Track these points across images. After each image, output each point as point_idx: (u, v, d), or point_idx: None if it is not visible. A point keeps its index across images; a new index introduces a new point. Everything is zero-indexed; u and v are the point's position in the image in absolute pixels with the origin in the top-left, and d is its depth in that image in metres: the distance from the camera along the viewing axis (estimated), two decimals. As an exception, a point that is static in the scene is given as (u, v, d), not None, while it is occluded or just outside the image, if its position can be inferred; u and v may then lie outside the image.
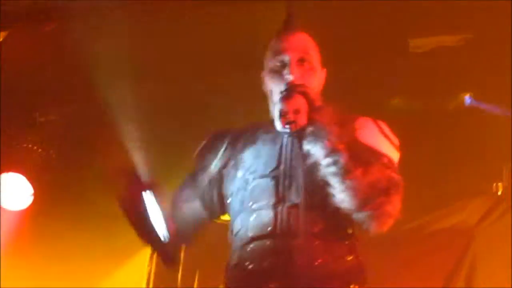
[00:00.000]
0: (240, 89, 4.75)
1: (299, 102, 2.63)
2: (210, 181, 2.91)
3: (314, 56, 2.89)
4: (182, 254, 4.22)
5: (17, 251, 5.74)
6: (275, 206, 2.69)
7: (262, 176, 2.76)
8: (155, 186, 2.70)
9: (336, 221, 2.70)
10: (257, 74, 2.95)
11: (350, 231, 2.76)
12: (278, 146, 2.78)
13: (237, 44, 4.68)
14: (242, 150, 2.87)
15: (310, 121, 2.61)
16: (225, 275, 2.81)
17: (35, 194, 5.77)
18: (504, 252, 5.11)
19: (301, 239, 2.65)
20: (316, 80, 2.86)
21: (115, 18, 4.72)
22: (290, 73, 2.77)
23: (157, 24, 4.76)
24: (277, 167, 2.75)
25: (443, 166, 5.47)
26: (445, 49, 5.02)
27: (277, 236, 2.67)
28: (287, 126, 2.62)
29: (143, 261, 5.39)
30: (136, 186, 2.67)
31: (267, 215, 2.70)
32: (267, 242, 2.68)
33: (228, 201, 2.86)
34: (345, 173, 2.55)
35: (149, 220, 2.65)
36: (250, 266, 2.70)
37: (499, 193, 5.35)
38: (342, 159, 2.55)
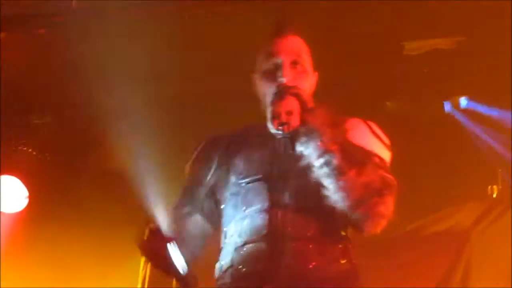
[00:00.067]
0: (237, 91, 4.75)
1: (292, 103, 2.64)
2: (206, 193, 2.90)
3: (306, 59, 2.89)
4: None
5: (12, 253, 5.72)
6: (268, 210, 2.69)
7: (255, 180, 2.75)
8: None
9: (329, 223, 2.70)
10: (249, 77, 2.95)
11: (343, 233, 2.76)
12: (270, 149, 2.77)
13: (231, 46, 4.69)
14: (234, 155, 2.87)
15: (303, 122, 2.60)
16: (216, 278, 2.80)
17: (30, 197, 5.77)
18: (500, 255, 5.10)
19: (295, 242, 2.64)
20: (308, 83, 2.86)
21: (111, 21, 4.71)
22: (283, 75, 2.76)
23: (153, 25, 4.76)
24: (270, 170, 2.74)
25: (438, 169, 5.46)
26: (440, 51, 5.03)
27: (271, 240, 2.66)
28: (280, 127, 2.61)
29: (138, 264, 5.37)
30: (161, 243, 2.68)
31: (261, 219, 2.69)
32: (261, 246, 2.67)
33: (222, 207, 2.85)
34: (338, 174, 2.55)
35: (173, 264, 2.68)
36: (244, 270, 2.69)
37: (494, 196, 5.35)
38: (336, 160, 2.55)
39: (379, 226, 2.65)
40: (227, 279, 2.73)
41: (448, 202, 5.60)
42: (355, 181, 2.56)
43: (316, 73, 2.95)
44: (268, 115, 2.70)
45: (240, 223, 2.74)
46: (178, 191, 3.00)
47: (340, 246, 2.74)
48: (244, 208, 2.74)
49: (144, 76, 5.33)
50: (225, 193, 2.83)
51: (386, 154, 2.78)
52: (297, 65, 2.83)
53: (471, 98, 5.67)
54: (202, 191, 2.90)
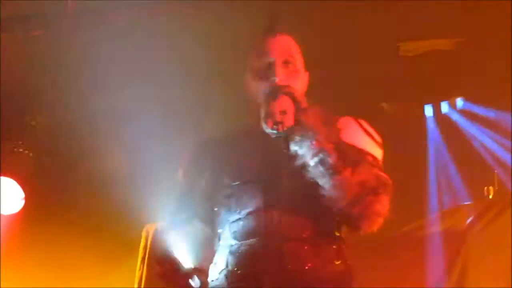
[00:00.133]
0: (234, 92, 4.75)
1: (286, 103, 2.62)
2: (201, 198, 2.88)
3: (298, 58, 2.88)
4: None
5: (8, 255, 5.72)
6: (263, 211, 2.67)
7: (249, 182, 2.73)
8: (197, 272, 2.74)
9: (324, 224, 2.69)
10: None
11: (337, 233, 2.75)
12: (263, 149, 2.75)
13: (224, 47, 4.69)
14: (226, 157, 2.84)
15: (297, 122, 2.59)
16: (211, 280, 2.79)
17: (26, 198, 5.76)
18: (496, 255, 5.11)
19: (290, 243, 2.64)
20: (300, 82, 2.85)
21: (107, 22, 4.71)
22: (276, 74, 2.76)
23: (150, 26, 4.76)
24: (264, 171, 2.73)
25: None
26: (437, 52, 5.04)
27: (266, 241, 2.65)
28: (275, 126, 2.60)
29: (134, 265, 5.38)
30: (183, 280, 2.70)
31: (256, 220, 2.67)
32: (257, 247, 2.66)
33: (215, 209, 2.83)
34: (333, 173, 2.54)
35: None
36: (239, 271, 2.68)
37: (491, 196, 5.35)
38: (331, 159, 2.54)
39: (375, 225, 2.64)
40: (222, 281, 2.72)
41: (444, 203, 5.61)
42: (350, 180, 2.55)
43: (307, 73, 2.94)
44: (262, 114, 2.67)
45: (234, 225, 2.72)
46: (173, 197, 2.98)
47: (334, 247, 2.73)
48: (239, 210, 2.72)
49: (141, 78, 5.33)
50: (218, 196, 2.81)
51: (378, 152, 2.77)
52: (289, 65, 2.82)
53: (468, 99, 5.69)
54: (197, 197, 2.88)
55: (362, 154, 2.67)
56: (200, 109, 5.40)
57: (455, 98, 5.84)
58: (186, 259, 2.73)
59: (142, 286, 5.26)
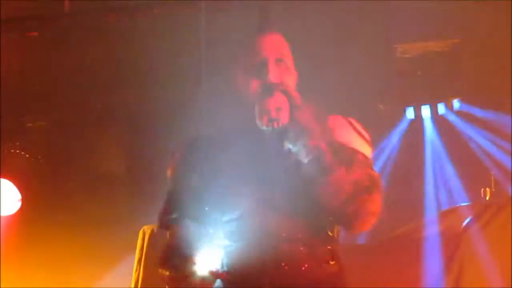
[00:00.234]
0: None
1: (281, 100, 2.61)
2: (192, 197, 2.85)
3: (289, 57, 2.87)
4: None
5: (4, 256, 5.71)
6: (258, 212, 2.66)
7: (242, 181, 2.72)
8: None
9: (318, 224, 2.68)
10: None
11: (330, 233, 2.74)
12: (256, 148, 2.74)
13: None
14: (218, 156, 2.81)
15: (292, 119, 2.59)
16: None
17: (22, 200, 5.76)
18: (493, 257, 5.10)
19: (287, 244, 2.63)
20: (292, 81, 2.84)
21: (104, 23, 4.71)
22: (269, 72, 2.75)
23: (147, 27, 4.76)
24: (258, 170, 2.71)
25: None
26: (433, 54, 5.04)
27: (263, 243, 2.64)
28: (270, 123, 2.59)
29: (131, 266, 5.37)
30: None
31: (251, 221, 2.66)
32: (252, 248, 2.65)
33: (207, 209, 2.81)
34: (328, 172, 2.53)
35: None
36: (236, 273, 2.67)
37: (487, 198, 5.35)
38: (325, 157, 2.53)
39: (368, 224, 2.63)
40: (218, 283, 2.71)
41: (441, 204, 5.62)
42: (345, 178, 2.54)
43: (296, 72, 2.93)
44: (257, 111, 2.65)
45: (228, 225, 2.70)
46: (163, 196, 2.95)
47: (329, 247, 2.72)
48: (232, 209, 2.71)
49: (138, 79, 5.33)
50: (210, 195, 2.78)
51: (368, 150, 2.76)
52: (281, 63, 2.81)
53: (464, 100, 5.69)
54: (188, 196, 2.85)
55: (354, 152, 2.66)
56: (199, 109, 5.39)
57: (452, 99, 5.85)
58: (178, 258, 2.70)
59: (139, 287, 5.25)
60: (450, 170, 5.82)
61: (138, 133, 5.75)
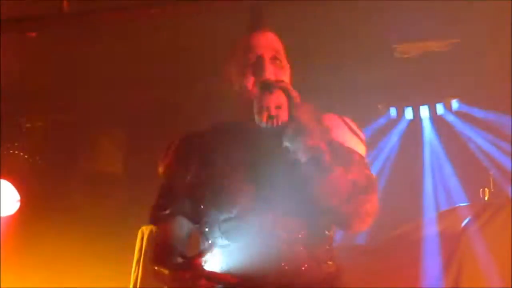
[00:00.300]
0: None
1: (281, 97, 2.59)
2: (187, 193, 2.82)
3: (284, 56, 2.86)
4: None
5: (4, 256, 5.71)
6: (257, 211, 2.64)
7: (240, 179, 2.70)
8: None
9: (316, 224, 2.67)
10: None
11: (327, 232, 2.73)
12: (254, 146, 2.71)
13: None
14: (214, 153, 2.78)
15: (291, 117, 2.57)
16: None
17: (21, 200, 5.75)
18: (492, 257, 5.11)
19: (286, 244, 2.62)
20: (287, 79, 2.82)
21: (102, 23, 4.70)
22: (265, 70, 2.73)
23: (145, 28, 4.75)
24: (256, 168, 2.69)
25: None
26: (432, 54, 5.04)
27: (263, 243, 2.63)
28: (269, 121, 2.57)
29: (129, 266, 5.37)
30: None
31: (249, 221, 2.64)
32: (252, 248, 2.64)
33: (202, 207, 2.79)
34: (327, 171, 2.52)
35: None
36: (236, 273, 2.65)
37: (486, 198, 5.35)
38: (324, 157, 2.51)
39: (365, 224, 2.62)
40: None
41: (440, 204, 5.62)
42: (343, 178, 2.53)
43: (289, 71, 2.91)
44: (256, 108, 2.63)
45: (226, 225, 2.67)
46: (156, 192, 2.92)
47: (327, 247, 2.71)
48: (230, 208, 2.68)
49: (137, 79, 5.33)
50: (207, 193, 2.76)
51: (363, 150, 2.76)
52: (276, 61, 2.79)
53: (463, 100, 5.69)
54: (182, 192, 2.83)
55: (351, 152, 2.66)
56: (199, 108, 5.40)
57: (451, 99, 5.85)
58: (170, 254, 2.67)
59: (138, 287, 5.25)
60: (449, 170, 5.82)
61: (137, 133, 5.76)
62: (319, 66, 5.08)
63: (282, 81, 2.67)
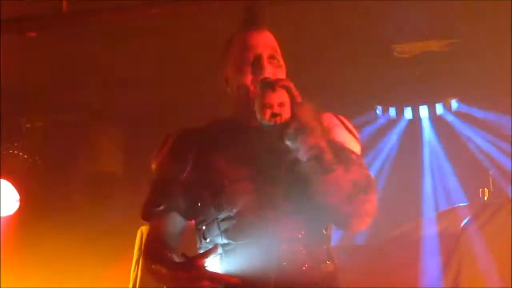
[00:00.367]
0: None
1: (283, 95, 2.58)
2: (182, 191, 2.80)
3: (280, 55, 2.85)
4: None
5: (4, 256, 5.71)
6: (258, 210, 2.63)
7: (240, 178, 2.69)
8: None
9: (315, 223, 2.67)
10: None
11: (325, 232, 2.72)
12: (254, 144, 2.70)
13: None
14: (212, 150, 2.75)
15: (293, 115, 2.57)
16: None
17: (21, 200, 5.76)
18: (491, 257, 5.11)
19: (287, 244, 2.62)
20: (283, 78, 2.81)
21: (102, 23, 4.70)
22: (263, 68, 2.73)
23: (144, 27, 4.75)
24: (256, 167, 2.68)
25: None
26: (431, 54, 5.04)
27: (264, 243, 2.62)
28: (272, 118, 2.56)
29: (128, 265, 5.37)
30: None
31: (250, 220, 2.63)
32: (252, 248, 2.62)
33: (199, 204, 2.76)
34: (327, 170, 2.51)
35: None
36: (237, 273, 2.64)
37: (486, 198, 5.36)
38: (325, 156, 2.51)
39: (364, 224, 2.61)
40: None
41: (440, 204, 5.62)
42: (344, 178, 2.52)
43: (285, 70, 2.91)
44: (257, 106, 2.61)
45: (225, 224, 2.65)
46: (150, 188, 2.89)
47: (325, 247, 2.71)
48: (230, 207, 2.67)
49: (136, 79, 5.33)
50: (204, 191, 2.73)
51: (358, 149, 2.76)
52: (273, 60, 2.79)
53: (463, 100, 5.70)
54: (177, 188, 2.80)
55: (349, 152, 2.65)
56: (199, 108, 5.40)
57: (450, 99, 5.85)
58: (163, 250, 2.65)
59: (137, 287, 5.25)
60: (448, 170, 5.82)
61: (136, 133, 5.76)
62: (318, 65, 5.08)
63: (284, 79, 2.67)
